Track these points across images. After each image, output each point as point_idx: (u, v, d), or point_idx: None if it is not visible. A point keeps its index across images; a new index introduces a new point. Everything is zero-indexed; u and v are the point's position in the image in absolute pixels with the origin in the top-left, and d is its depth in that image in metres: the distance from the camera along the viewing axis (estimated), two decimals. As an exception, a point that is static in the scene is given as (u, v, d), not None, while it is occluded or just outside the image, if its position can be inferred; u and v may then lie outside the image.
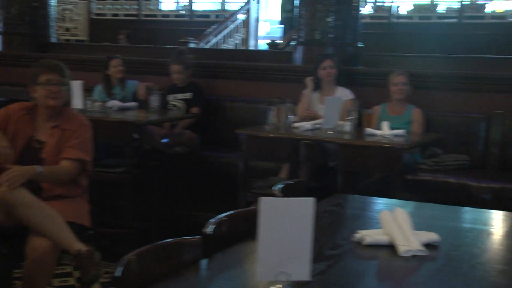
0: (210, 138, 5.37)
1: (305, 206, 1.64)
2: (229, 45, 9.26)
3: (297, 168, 4.45)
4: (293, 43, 5.92)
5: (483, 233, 2.31)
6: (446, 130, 4.91)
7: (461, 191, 4.41)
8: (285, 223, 1.63)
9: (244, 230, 2.01)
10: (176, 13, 11.58)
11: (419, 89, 4.99)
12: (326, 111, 4.45)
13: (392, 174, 4.04)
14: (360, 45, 5.59)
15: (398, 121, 4.69)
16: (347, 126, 4.32)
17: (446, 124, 4.98)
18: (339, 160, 4.03)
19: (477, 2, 9.53)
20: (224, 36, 9.25)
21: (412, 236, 2.02)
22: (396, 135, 4.24)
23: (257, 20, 10.20)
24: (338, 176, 3.99)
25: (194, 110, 5.31)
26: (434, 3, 9.81)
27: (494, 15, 9.34)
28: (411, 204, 2.86)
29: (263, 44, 9.94)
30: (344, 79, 5.13)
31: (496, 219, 2.60)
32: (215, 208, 2.47)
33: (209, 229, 1.98)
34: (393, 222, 2.10)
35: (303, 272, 1.64)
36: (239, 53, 7.48)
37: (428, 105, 4.97)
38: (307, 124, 4.41)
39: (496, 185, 4.36)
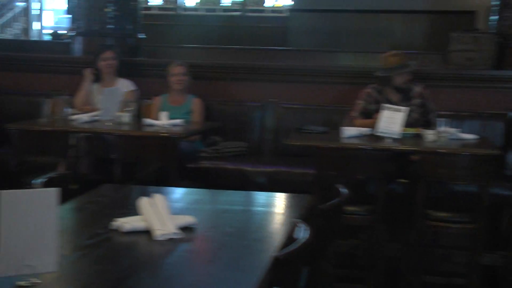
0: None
1: (48, 197, 1.63)
2: (8, 35, 8.72)
3: (77, 161, 4.38)
4: (72, 33, 5.76)
5: (240, 213, 2.47)
6: (225, 118, 5.12)
7: (238, 176, 4.64)
8: (28, 215, 1.61)
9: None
10: None
11: (200, 79, 5.14)
12: (104, 103, 4.42)
13: (170, 163, 4.12)
14: (141, 36, 5.61)
15: (179, 111, 4.80)
16: (126, 117, 4.33)
17: (225, 112, 5.19)
18: (118, 151, 4.03)
19: (259, -4, 10.04)
20: (1, 26, 8.69)
21: (168, 221, 2.10)
22: (174, 125, 4.34)
23: (40, 9, 9.73)
24: (117, 167, 3.99)
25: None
26: (220, -5, 10.15)
27: (274, 9, 9.91)
28: (180, 191, 2.96)
29: (47, 35, 9.52)
30: (125, 70, 5.11)
31: (258, 199, 2.79)
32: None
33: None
34: (151, 208, 2.17)
35: (49, 264, 1.63)
36: (16, 44, 7.09)
37: (208, 95, 5.14)
38: (85, 116, 4.34)
39: (269, 169, 4.66)
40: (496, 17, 4.96)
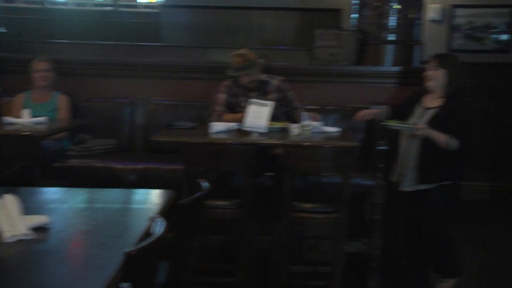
0: None
1: None
2: None
3: None
4: None
5: (99, 211, 2.42)
6: (94, 115, 5.00)
7: (108, 174, 4.54)
8: None
9: None
10: None
11: (67, 76, 4.99)
12: (-42, 100, 4.16)
13: (33, 162, 3.95)
14: (1, 30, 5.33)
15: (44, 109, 4.62)
16: (-16, 115, 4.11)
17: (94, 109, 5.07)
18: (-26, 151, 3.81)
19: (132, -9, 9.83)
20: None
21: (19, 221, 2.02)
22: (37, 123, 4.17)
23: None
24: (-27, 168, 3.78)
25: None
26: (92, -10, 9.85)
27: (147, 5, 9.76)
28: (38, 190, 2.85)
29: None
30: (-17, 66, 4.86)
31: (119, 196, 2.73)
32: None
33: None
34: (0, 210, 2.07)
35: None
36: None
37: (76, 92, 5.00)
38: None
39: (140, 166, 4.59)
40: (357, 15, 5.19)
